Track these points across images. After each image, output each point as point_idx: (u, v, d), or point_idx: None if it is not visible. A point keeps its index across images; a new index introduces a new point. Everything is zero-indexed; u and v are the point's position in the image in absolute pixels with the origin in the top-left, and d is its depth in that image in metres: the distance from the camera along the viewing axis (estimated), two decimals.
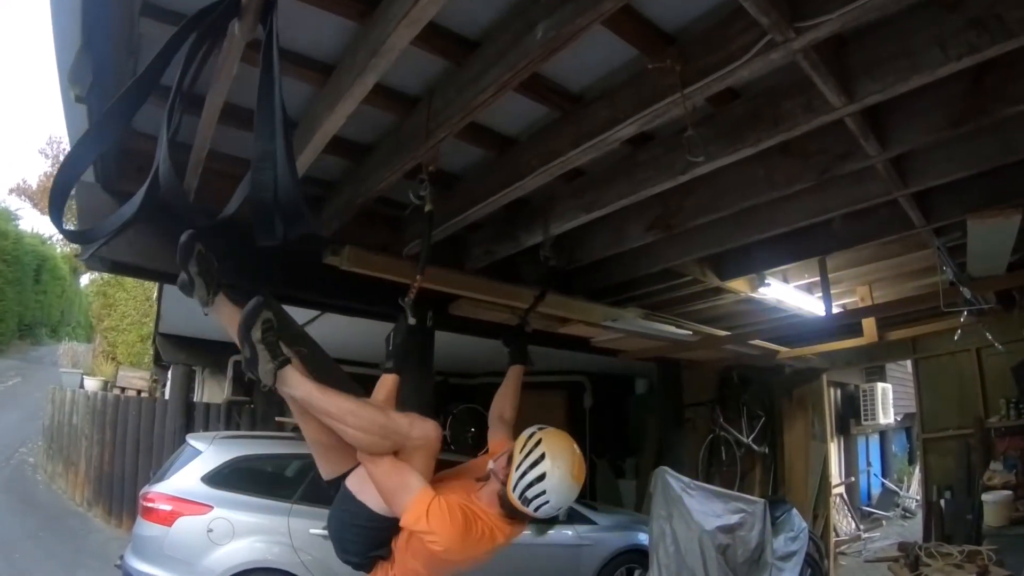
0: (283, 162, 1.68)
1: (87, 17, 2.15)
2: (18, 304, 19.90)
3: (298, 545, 4.92)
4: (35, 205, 25.16)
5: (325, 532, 4.82)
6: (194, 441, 5.46)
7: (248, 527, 4.89)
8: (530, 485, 2.15)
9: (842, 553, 8.70)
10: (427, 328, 4.19)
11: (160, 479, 5.24)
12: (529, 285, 4.36)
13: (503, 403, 2.87)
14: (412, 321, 2.64)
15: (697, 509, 5.21)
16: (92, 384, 10.54)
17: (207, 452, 5.21)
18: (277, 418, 8.22)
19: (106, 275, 15.71)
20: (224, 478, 5.11)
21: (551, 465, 2.14)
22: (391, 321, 4.44)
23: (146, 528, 4.93)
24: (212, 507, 4.88)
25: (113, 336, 14.58)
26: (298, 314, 5.49)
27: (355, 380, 4.06)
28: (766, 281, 5.05)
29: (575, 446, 2.24)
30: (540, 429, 2.27)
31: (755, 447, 8.16)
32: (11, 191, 25.67)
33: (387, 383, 2.58)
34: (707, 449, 8.28)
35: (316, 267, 3.76)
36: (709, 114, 2.75)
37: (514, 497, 2.19)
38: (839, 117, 2.43)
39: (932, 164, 3.09)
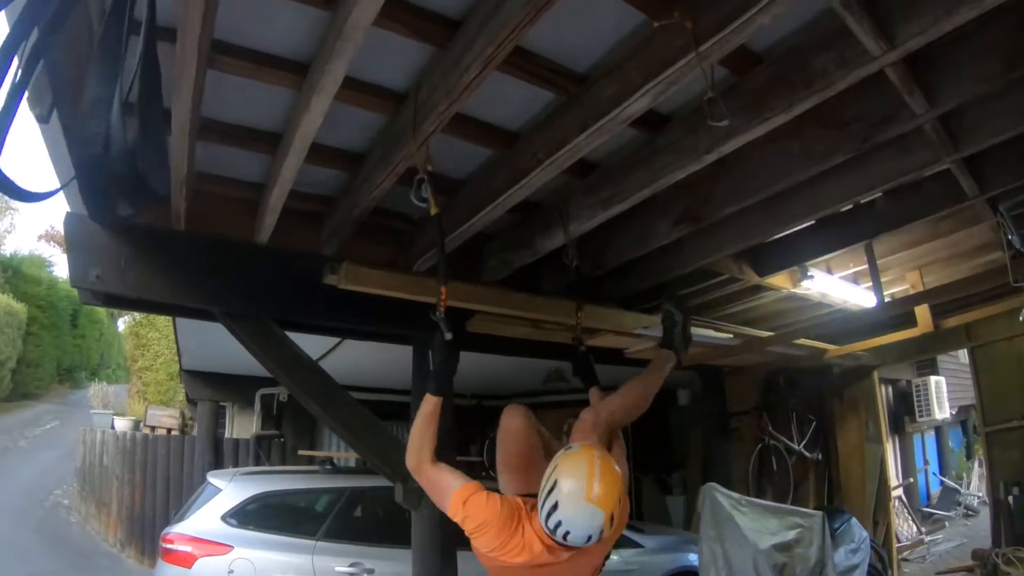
0: (119, 112, 1.42)
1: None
2: (55, 349, 20.25)
3: None
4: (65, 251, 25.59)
5: (351, 570, 4.70)
6: (214, 479, 5.31)
7: (270, 566, 4.70)
8: (548, 515, 2.02)
9: (905, 560, 8.23)
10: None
11: (180, 519, 5.09)
12: (551, 295, 4.08)
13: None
14: (448, 336, 2.47)
15: (749, 527, 4.83)
16: (122, 424, 10.49)
17: (227, 490, 5.06)
18: (300, 451, 8.06)
19: (139, 316, 15.91)
20: (245, 516, 4.96)
21: (562, 493, 2.00)
22: (403, 343, 4.24)
23: (166, 570, 4.79)
24: (232, 547, 4.72)
25: (147, 376, 14.61)
26: (313, 341, 5.32)
27: (369, 407, 3.86)
28: (808, 274, 4.69)
29: (596, 464, 2.04)
30: (567, 449, 2.15)
31: (807, 454, 7.68)
32: (40, 237, 26.13)
33: (428, 405, 2.38)
34: (756, 459, 7.75)
35: (322, 289, 3.52)
36: (731, 84, 2.44)
37: (541, 527, 2.07)
38: (878, 68, 2.09)
39: (984, 122, 2.71)
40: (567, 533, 2.00)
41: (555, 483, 2.02)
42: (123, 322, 22.39)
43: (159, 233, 3.26)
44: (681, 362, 3.07)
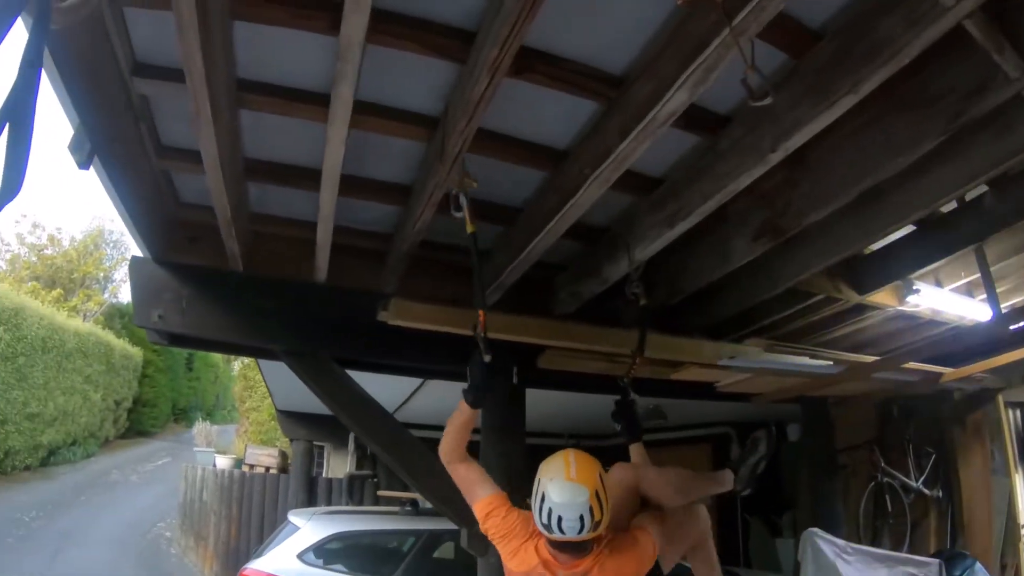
0: None
1: (70, 87, 2.01)
2: (170, 390, 21.56)
3: None
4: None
5: None
6: (294, 517, 5.33)
7: None
8: (540, 510, 2.19)
9: None
10: (514, 385, 3.83)
11: (259, 555, 5.10)
12: (626, 327, 3.82)
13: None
14: (487, 358, 2.52)
15: None
16: (223, 462, 10.86)
17: (305, 528, 5.06)
18: (379, 492, 8.02)
19: (247, 359, 16.67)
20: (321, 555, 4.94)
21: (546, 483, 2.20)
22: (459, 380, 4.08)
23: None
24: None
25: (253, 416, 15.20)
26: (398, 384, 5.24)
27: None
28: (914, 288, 4.19)
29: (570, 455, 2.26)
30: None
31: (926, 491, 6.88)
32: None
33: (463, 414, 2.57)
34: (870, 499, 7.02)
35: (382, 328, 3.44)
36: (790, 68, 2.16)
37: (539, 526, 2.22)
38: (955, 22, 1.72)
39: None
40: (560, 519, 2.12)
41: (538, 481, 2.23)
42: (238, 365, 23.49)
43: (219, 273, 3.33)
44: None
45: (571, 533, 2.14)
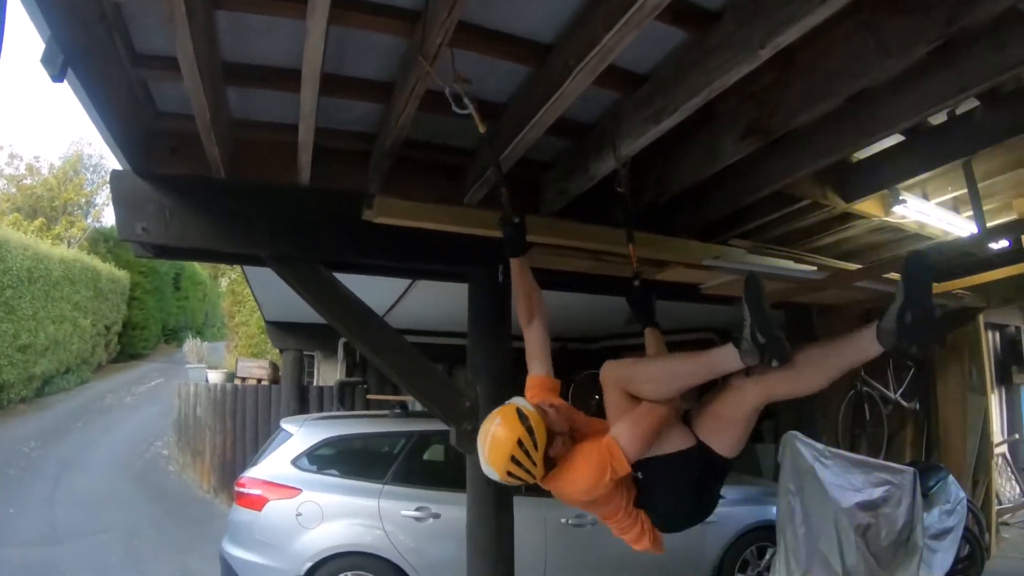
0: None
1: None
2: (159, 311, 21.63)
3: (389, 528, 4.72)
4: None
5: (418, 514, 4.69)
6: (286, 424, 5.44)
7: (337, 510, 4.76)
8: None
9: (1005, 524, 7.50)
10: (500, 284, 3.79)
11: (254, 463, 5.22)
12: (614, 226, 3.81)
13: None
14: (516, 219, 2.72)
15: (832, 482, 4.44)
16: (215, 376, 10.99)
17: (298, 434, 5.16)
18: (368, 395, 8.15)
19: (235, 274, 16.66)
20: (314, 460, 5.06)
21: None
22: (459, 281, 4.09)
23: (239, 513, 4.93)
24: (301, 490, 4.80)
25: (243, 330, 15.34)
26: (385, 286, 5.22)
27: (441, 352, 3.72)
28: (900, 197, 4.20)
29: (489, 430, 2.25)
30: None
31: (904, 403, 7.10)
32: None
33: (514, 267, 2.77)
34: (849, 408, 7.20)
35: (370, 228, 3.43)
36: None
37: None
38: None
39: None
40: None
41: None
42: (225, 281, 23.53)
43: (201, 182, 3.30)
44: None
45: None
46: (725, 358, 2.17)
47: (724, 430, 2.35)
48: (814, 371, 2.21)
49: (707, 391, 2.45)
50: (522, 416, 2.21)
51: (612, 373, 2.38)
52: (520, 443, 2.17)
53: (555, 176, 3.70)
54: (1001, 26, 2.40)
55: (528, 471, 2.20)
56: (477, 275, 3.89)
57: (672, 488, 2.42)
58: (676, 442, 2.34)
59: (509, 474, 2.20)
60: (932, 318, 1.99)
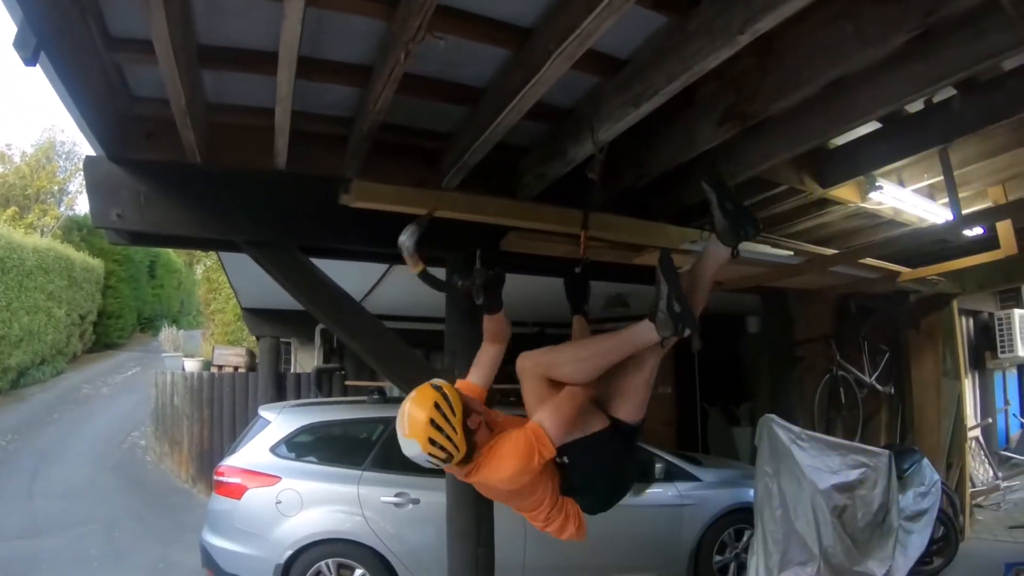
0: None
1: None
2: (135, 300, 21.33)
3: (369, 514, 4.72)
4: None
5: (397, 499, 4.69)
6: (264, 412, 5.40)
7: (317, 497, 4.75)
8: None
9: (979, 506, 7.66)
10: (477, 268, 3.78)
11: (233, 451, 5.19)
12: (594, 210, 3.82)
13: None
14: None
15: (809, 464, 4.53)
16: (192, 365, 10.90)
17: (276, 422, 5.14)
18: (346, 382, 8.12)
19: (210, 261, 16.45)
20: (292, 448, 5.03)
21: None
22: (437, 265, 4.06)
23: (219, 502, 4.91)
24: (280, 478, 4.78)
25: (219, 318, 15.17)
26: (361, 272, 5.18)
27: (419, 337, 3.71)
28: (877, 184, 4.24)
29: (408, 402, 2.30)
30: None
31: (879, 387, 7.20)
32: None
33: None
34: (825, 391, 7.28)
35: (347, 213, 3.40)
36: None
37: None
38: None
39: None
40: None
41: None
42: (201, 268, 23.26)
43: (177, 167, 3.25)
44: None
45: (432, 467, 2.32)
46: (642, 331, 2.39)
47: (629, 398, 2.56)
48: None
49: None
50: (435, 385, 2.30)
51: (530, 361, 2.48)
52: (437, 406, 2.22)
53: (533, 160, 3.68)
54: (980, 15, 2.40)
55: (449, 438, 2.21)
56: (454, 260, 3.86)
57: (597, 467, 2.52)
58: (594, 423, 2.48)
59: (431, 442, 2.20)
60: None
